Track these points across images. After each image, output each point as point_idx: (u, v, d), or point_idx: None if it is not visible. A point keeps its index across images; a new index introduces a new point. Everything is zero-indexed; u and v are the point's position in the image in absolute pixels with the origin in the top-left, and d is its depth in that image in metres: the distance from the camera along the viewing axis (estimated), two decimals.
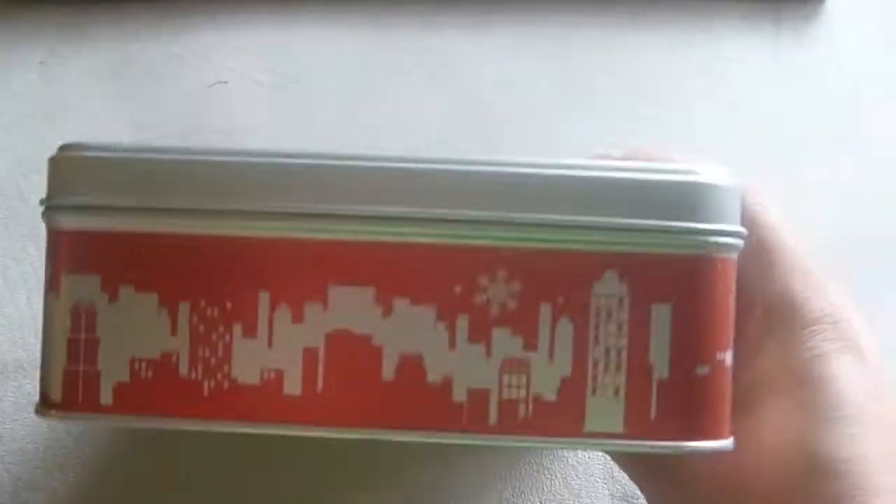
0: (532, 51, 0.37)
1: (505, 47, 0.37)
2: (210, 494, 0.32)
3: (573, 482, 0.32)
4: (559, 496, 0.32)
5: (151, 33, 0.37)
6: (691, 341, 0.19)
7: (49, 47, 0.37)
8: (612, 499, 0.32)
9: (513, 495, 0.32)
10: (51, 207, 0.18)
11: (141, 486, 0.32)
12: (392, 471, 0.32)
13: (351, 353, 0.18)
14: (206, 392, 0.18)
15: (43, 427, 0.33)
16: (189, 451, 0.32)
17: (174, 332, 0.18)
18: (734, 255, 0.20)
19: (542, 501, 0.32)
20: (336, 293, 0.18)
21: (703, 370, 0.19)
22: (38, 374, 0.33)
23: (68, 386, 0.18)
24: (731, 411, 0.20)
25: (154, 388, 0.18)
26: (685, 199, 0.19)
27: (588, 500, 0.32)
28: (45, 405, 0.18)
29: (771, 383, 0.22)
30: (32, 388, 0.33)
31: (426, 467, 0.32)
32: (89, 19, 0.37)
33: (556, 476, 0.32)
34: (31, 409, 0.33)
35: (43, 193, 0.34)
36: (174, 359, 0.18)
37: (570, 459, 0.32)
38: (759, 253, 0.22)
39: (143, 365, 0.18)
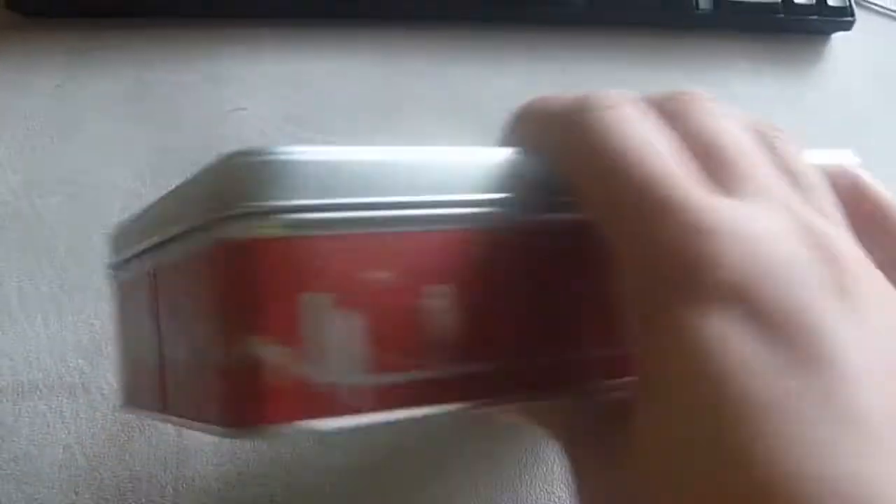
0: (541, 84, 0.39)
1: (515, 76, 0.38)
2: None
3: None
4: None
5: (169, 60, 0.37)
6: None
7: (65, 71, 0.37)
8: None
9: None
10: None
11: None
12: None
13: None
14: None
15: (58, 448, 0.33)
16: None
17: None
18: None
19: None
20: None
21: None
22: (53, 395, 0.33)
23: None
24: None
25: None
26: None
27: None
28: None
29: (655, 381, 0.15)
30: (48, 409, 0.33)
31: None
32: (105, 44, 0.37)
33: None
34: (46, 429, 0.33)
35: (56, 215, 0.34)
36: None
37: None
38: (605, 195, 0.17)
39: None
